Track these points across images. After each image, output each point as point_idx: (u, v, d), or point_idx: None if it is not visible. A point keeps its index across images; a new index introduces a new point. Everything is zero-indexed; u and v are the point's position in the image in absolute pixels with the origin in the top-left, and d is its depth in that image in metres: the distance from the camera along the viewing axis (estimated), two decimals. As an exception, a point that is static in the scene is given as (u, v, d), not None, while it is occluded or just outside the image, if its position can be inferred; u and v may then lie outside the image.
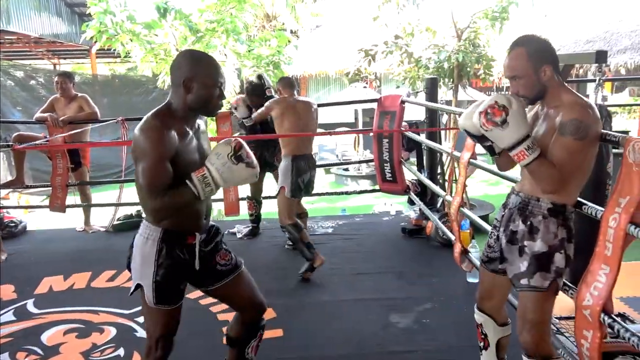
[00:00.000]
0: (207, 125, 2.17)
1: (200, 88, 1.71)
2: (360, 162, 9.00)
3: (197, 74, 1.70)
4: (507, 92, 1.84)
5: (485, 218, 6.70)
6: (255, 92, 4.10)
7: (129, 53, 7.14)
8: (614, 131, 1.91)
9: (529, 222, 1.73)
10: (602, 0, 7.82)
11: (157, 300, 1.79)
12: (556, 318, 2.89)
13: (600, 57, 4.33)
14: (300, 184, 3.59)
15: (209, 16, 6.87)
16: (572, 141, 1.60)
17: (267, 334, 2.24)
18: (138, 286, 1.82)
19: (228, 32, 6.83)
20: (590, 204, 1.85)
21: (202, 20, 6.97)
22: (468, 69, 6.84)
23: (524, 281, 1.71)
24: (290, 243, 3.98)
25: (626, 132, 9.62)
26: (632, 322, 2.82)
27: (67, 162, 4.58)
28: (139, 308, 3.16)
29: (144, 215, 1.89)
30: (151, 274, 1.78)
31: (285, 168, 3.57)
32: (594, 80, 4.78)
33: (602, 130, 1.71)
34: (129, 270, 1.89)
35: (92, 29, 6.38)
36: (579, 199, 1.80)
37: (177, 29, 6.77)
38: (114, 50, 7.23)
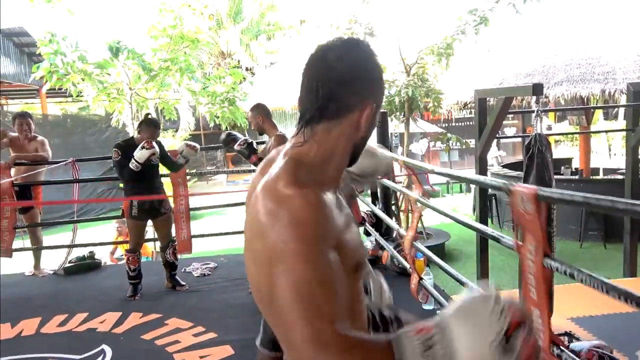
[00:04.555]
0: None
1: None
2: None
3: None
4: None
5: (441, 246, 6.89)
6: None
7: (80, 93, 7.08)
8: (554, 159, 2.00)
9: None
10: (540, 35, 8.32)
11: None
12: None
13: (537, 89, 4.62)
14: None
15: (163, 55, 6.92)
16: None
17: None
18: None
19: (182, 71, 6.88)
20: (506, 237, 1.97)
21: (155, 59, 7.00)
22: (418, 103, 7.11)
23: None
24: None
25: (569, 160, 10.12)
26: (578, 339, 2.95)
27: (14, 206, 4.47)
28: (92, 352, 3.11)
29: None
30: None
31: None
32: (532, 111, 5.08)
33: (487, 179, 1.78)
34: None
35: (42, 69, 6.30)
36: (492, 232, 1.89)
37: (130, 68, 6.76)
38: (66, 89, 7.16)
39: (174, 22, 6.87)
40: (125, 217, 4.09)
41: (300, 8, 15.62)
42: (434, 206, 3.07)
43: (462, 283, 2.56)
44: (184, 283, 4.21)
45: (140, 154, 3.68)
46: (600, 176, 9.32)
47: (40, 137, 4.64)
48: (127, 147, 3.80)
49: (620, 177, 7.50)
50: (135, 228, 4.03)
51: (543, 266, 1.65)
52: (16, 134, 4.60)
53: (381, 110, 5.14)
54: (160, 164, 4.11)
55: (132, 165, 3.70)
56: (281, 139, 3.61)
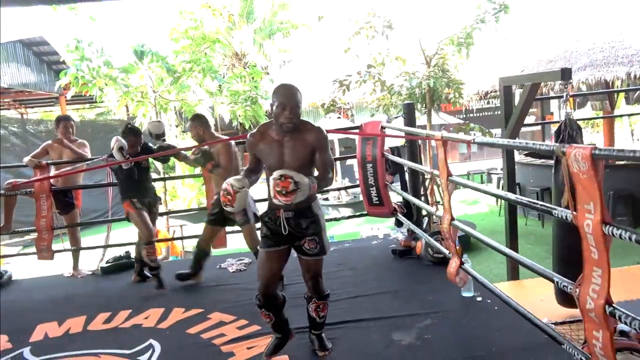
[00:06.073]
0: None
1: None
2: (340, 188, 9.12)
3: None
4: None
5: (466, 237, 6.87)
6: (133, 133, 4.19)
7: (103, 97, 7.22)
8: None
9: None
10: (561, 20, 8.26)
11: None
12: (552, 324, 3.00)
13: (565, 74, 4.60)
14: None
15: (185, 57, 7.01)
16: None
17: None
18: None
19: (205, 72, 6.97)
20: (558, 208, 1.98)
21: (177, 61, 7.10)
22: (439, 94, 7.10)
23: None
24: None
25: (593, 145, 10.01)
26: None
27: (51, 204, 4.56)
28: (140, 347, 3.18)
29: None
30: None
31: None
32: (560, 97, 5.06)
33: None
34: None
35: (69, 76, 6.43)
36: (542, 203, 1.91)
37: (153, 71, 6.87)
38: (86, 95, 7.28)
39: (194, 24, 6.96)
40: (128, 213, 4.24)
41: (315, 5, 15.63)
42: (469, 183, 3.09)
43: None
44: (150, 275, 4.36)
45: (116, 154, 3.97)
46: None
47: (80, 140, 4.75)
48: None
49: (647, 160, 7.41)
50: (141, 218, 4.18)
51: (602, 223, 1.68)
52: (49, 142, 4.71)
53: (407, 102, 5.17)
54: (148, 168, 4.35)
55: (118, 157, 3.95)
56: (229, 147, 3.89)
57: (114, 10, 18.19)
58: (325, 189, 3.05)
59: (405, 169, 4.65)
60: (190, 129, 3.99)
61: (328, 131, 2.70)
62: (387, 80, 7.28)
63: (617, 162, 8.44)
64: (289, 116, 2.44)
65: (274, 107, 2.48)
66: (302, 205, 2.50)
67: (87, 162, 4.62)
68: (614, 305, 1.74)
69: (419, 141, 11.13)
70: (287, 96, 2.46)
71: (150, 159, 4.39)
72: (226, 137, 4.15)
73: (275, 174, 2.34)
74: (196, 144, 4.00)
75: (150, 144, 4.34)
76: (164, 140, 4.33)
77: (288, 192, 2.30)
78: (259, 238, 3.85)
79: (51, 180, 4.54)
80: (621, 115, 11.56)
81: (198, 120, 3.94)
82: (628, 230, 1.61)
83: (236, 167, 3.95)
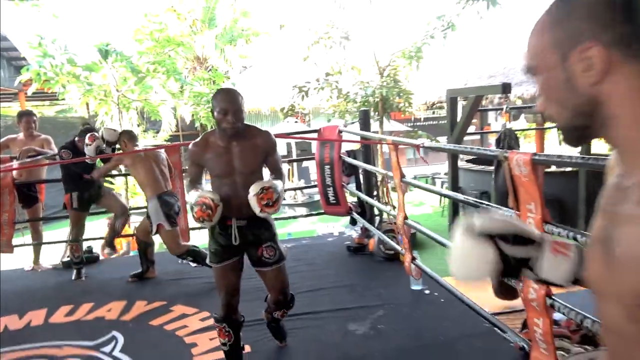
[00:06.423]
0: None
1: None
2: (296, 188, 9.13)
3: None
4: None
5: (413, 236, 7.02)
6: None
7: (64, 94, 6.93)
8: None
9: None
10: (501, 39, 8.61)
11: None
12: (492, 314, 3.12)
13: (506, 88, 4.79)
14: (173, 214, 3.89)
15: (149, 58, 6.83)
16: None
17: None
18: None
19: (169, 73, 6.82)
20: (503, 208, 2.08)
21: (141, 62, 6.91)
22: (391, 102, 7.24)
23: None
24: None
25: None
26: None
27: (14, 198, 4.35)
28: (103, 339, 3.08)
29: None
30: None
31: (154, 208, 3.84)
32: (500, 109, 5.25)
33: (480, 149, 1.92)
34: None
35: (31, 72, 6.14)
36: (488, 203, 2.00)
37: (117, 71, 6.66)
38: (47, 92, 6.98)
39: (159, 27, 6.80)
40: (67, 209, 4.28)
41: (275, 13, 15.58)
42: (420, 184, 3.17)
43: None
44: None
45: (89, 150, 3.96)
46: (553, 169, 9.67)
47: (44, 135, 4.54)
48: (74, 147, 4.15)
49: (573, 169, 7.80)
50: (77, 219, 4.29)
51: (543, 222, 1.77)
52: (14, 136, 4.49)
53: (363, 109, 5.24)
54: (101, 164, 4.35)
55: (88, 154, 4.00)
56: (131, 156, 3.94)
57: (77, 8, 17.48)
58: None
59: (360, 170, 4.71)
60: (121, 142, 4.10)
61: (289, 135, 2.66)
62: (344, 88, 7.37)
63: (545, 170, 8.86)
64: (231, 121, 2.21)
65: (215, 113, 2.24)
66: (253, 213, 2.26)
67: (50, 157, 4.43)
68: (553, 297, 1.84)
69: (372, 145, 11.25)
70: (228, 100, 2.24)
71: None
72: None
73: (254, 188, 2.18)
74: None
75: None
76: (114, 149, 4.24)
77: (274, 202, 2.18)
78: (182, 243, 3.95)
79: (14, 174, 4.33)
80: (552, 128, 12.14)
81: (126, 135, 4.09)
82: (566, 229, 1.70)
83: (160, 171, 3.98)
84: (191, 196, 2.24)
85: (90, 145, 3.95)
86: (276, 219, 6.01)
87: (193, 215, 2.23)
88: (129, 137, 4.07)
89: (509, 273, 0.87)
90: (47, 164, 4.54)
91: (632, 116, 0.62)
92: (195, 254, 4.01)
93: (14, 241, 4.55)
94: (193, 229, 4.63)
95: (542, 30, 0.68)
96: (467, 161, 10.38)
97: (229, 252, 2.38)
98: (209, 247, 2.43)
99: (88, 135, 3.98)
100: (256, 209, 2.19)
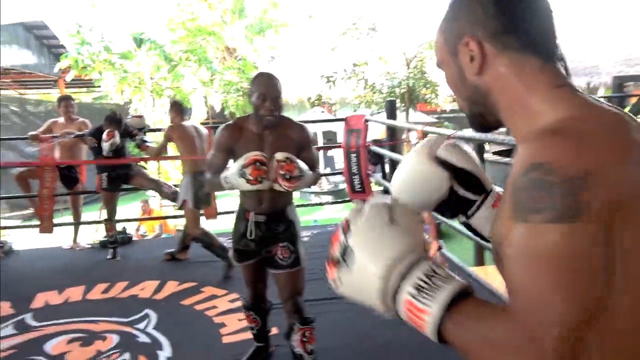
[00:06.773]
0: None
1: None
2: (322, 175, 9.12)
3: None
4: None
5: (437, 225, 6.95)
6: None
7: (101, 81, 7.06)
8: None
9: None
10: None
11: None
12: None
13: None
14: (201, 196, 3.84)
15: (182, 46, 6.89)
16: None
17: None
18: None
19: (200, 61, 6.87)
20: None
21: (174, 50, 6.98)
22: (417, 93, 7.16)
23: None
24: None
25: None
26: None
27: (55, 176, 4.44)
28: (138, 315, 3.15)
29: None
30: None
31: (186, 183, 3.84)
32: None
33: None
34: None
35: (69, 59, 6.27)
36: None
37: (151, 59, 6.73)
38: (84, 79, 7.11)
39: (192, 16, 6.84)
40: (98, 191, 4.41)
41: (303, 5, 15.51)
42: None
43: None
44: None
45: (105, 146, 4.02)
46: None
47: (82, 119, 4.64)
48: (100, 134, 4.09)
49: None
50: (108, 199, 4.38)
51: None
52: (55, 120, 4.60)
53: (389, 99, 5.19)
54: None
55: (105, 152, 4.07)
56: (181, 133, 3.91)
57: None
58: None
59: (385, 160, 4.68)
60: (169, 113, 4.09)
61: (316, 121, 2.59)
62: (370, 78, 7.31)
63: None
64: (269, 107, 2.02)
65: (253, 98, 2.05)
66: (276, 209, 2.13)
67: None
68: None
69: (403, 134, 11.21)
70: (268, 85, 2.05)
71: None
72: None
73: (279, 155, 1.96)
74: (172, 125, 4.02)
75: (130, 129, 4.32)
76: (145, 133, 4.34)
77: (292, 177, 1.95)
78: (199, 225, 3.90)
79: (56, 156, 4.44)
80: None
81: (175, 106, 4.06)
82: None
83: (201, 148, 3.94)
84: (232, 167, 2.00)
85: (106, 142, 4.00)
86: (302, 205, 6.05)
87: (247, 180, 1.93)
88: (178, 108, 4.01)
89: (448, 209, 0.89)
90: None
91: (506, 101, 0.69)
92: (208, 242, 3.85)
93: (54, 221, 4.67)
94: (221, 213, 4.67)
95: (440, 28, 0.75)
96: (494, 153, 10.21)
97: (249, 253, 2.24)
98: (233, 243, 2.32)
99: (106, 131, 4.00)
100: (271, 175, 1.96)
